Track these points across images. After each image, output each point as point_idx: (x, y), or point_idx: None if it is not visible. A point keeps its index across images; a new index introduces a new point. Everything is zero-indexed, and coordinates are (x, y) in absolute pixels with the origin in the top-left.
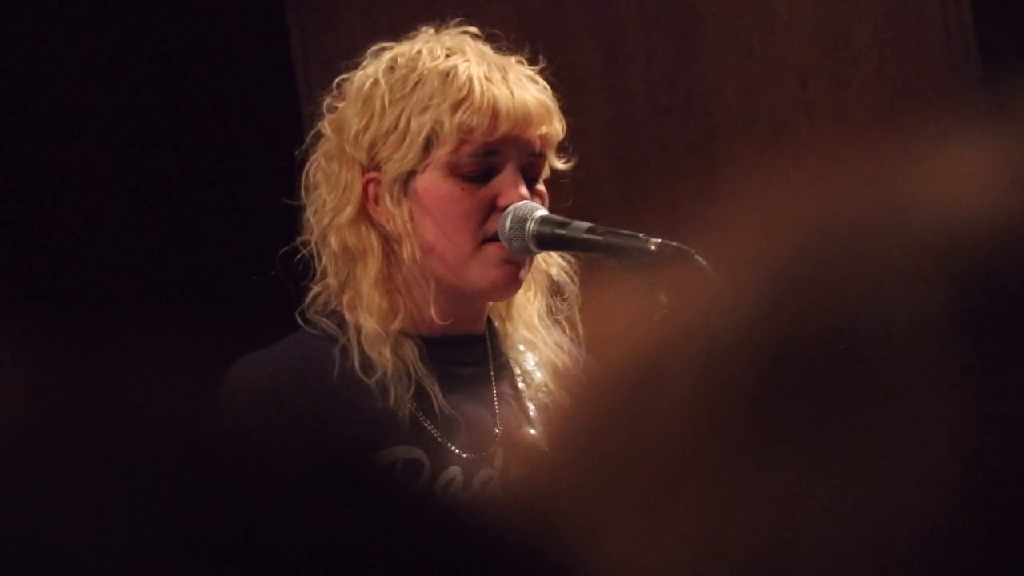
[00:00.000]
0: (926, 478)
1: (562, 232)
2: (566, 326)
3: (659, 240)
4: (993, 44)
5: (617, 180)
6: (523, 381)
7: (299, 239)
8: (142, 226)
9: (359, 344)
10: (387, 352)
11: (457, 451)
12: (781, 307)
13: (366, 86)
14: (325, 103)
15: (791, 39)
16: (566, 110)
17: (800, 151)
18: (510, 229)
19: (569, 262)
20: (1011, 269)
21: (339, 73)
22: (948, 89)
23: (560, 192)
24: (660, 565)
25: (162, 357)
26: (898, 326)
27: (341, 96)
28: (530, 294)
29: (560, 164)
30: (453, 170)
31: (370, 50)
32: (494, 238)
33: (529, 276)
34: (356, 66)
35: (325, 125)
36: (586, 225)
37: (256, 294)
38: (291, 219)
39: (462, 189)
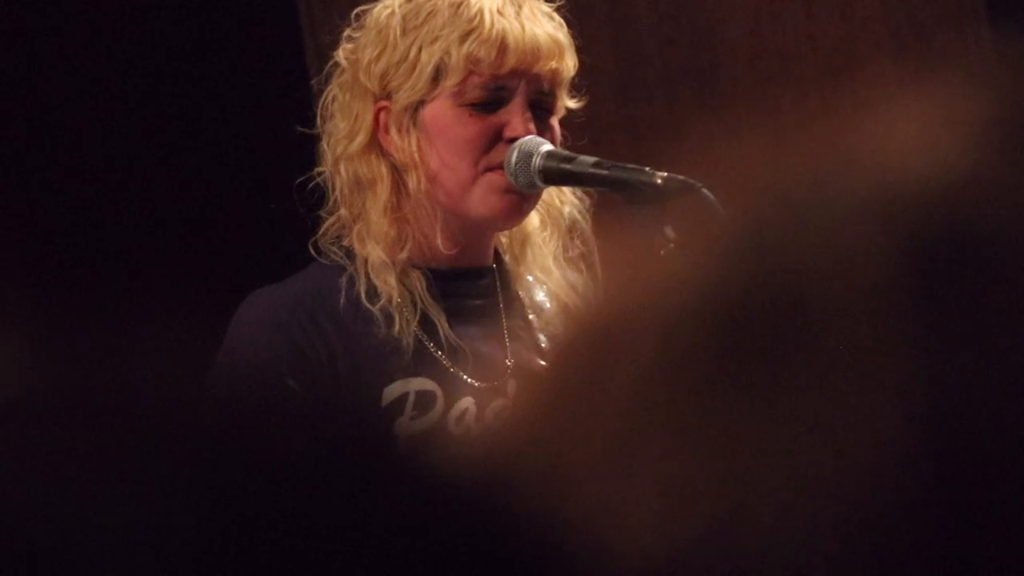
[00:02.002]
0: (878, 432)
1: (568, 167)
2: (582, 265)
3: (665, 173)
4: None
5: (622, 112)
6: (534, 313)
7: (315, 169)
8: (158, 160)
9: (365, 273)
10: (392, 280)
11: (469, 380)
12: (736, 270)
13: (382, 17)
14: (344, 33)
15: None
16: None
17: (805, 84)
18: (516, 164)
19: (582, 200)
20: (955, 230)
21: (341, 6)
22: (952, 21)
23: (573, 133)
24: (628, 513)
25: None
26: (848, 287)
27: (360, 27)
28: (546, 234)
29: (571, 103)
30: (460, 100)
31: None
32: (497, 167)
33: (545, 215)
34: None
35: (341, 55)
36: (592, 159)
37: (274, 223)
38: (310, 149)
39: (469, 116)
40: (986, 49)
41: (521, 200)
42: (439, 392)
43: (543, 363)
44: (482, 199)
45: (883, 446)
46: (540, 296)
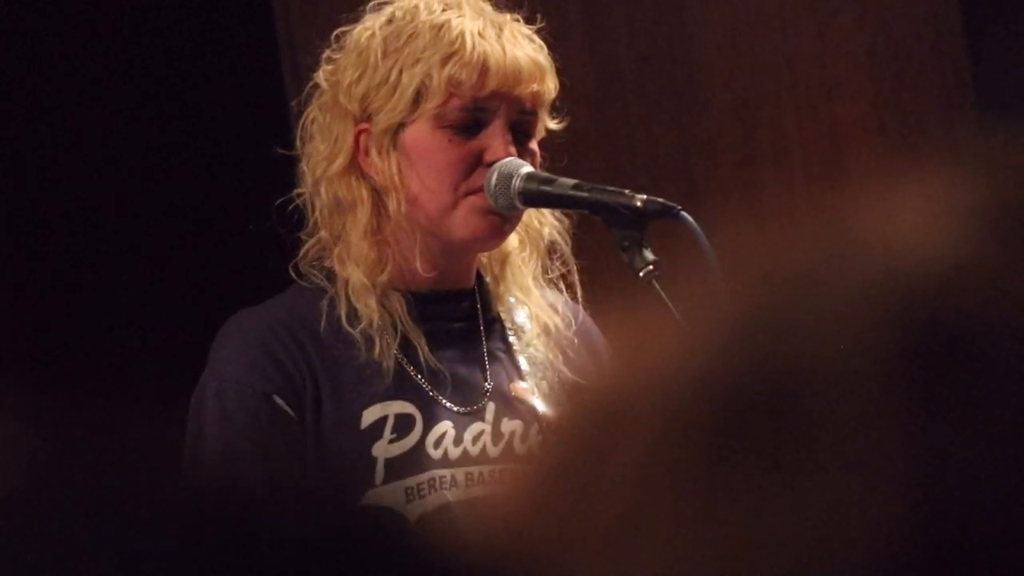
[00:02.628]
0: (873, 514)
1: (548, 189)
2: (562, 286)
3: (645, 196)
4: None
5: (598, 128)
6: (514, 335)
7: (295, 191)
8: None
9: (346, 296)
10: (373, 303)
11: (448, 404)
12: (736, 353)
13: (363, 38)
14: (324, 55)
15: None
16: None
17: (781, 101)
18: (496, 186)
19: (561, 221)
20: (951, 317)
21: (322, 18)
22: (928, 39)
23: (554, 153)
24: None
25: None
26: (844, 372)
27: (339, 48)
28: (525, 255)
29: (553, 124)
30: (441, 123)
31: (370, 4)
32: (477, 191)
33: (524, 235)
34: (356, 20)
35: (321, 77)
36: (572, 182)
37: (253, 246)
38: (289, 171)
39: (448, 140)
40: (962, 65)
41: (502, 222)
42: (418, 415)
43: (524, 384)
44: (463, 221)
45: (878, 530)
46: (520, 317)
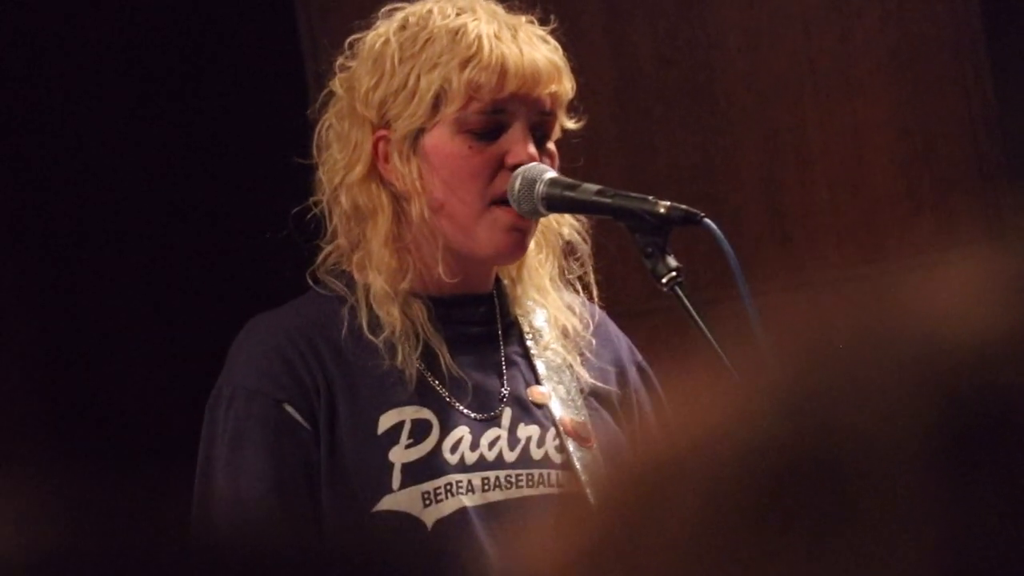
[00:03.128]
0: None
1: (571, 194)
2: (579, 286)
3: (669, 203)
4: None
5: (619, 131)
6: (532, 339)
7: (312, 199)
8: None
9: (367, 303)
10: (395, 311)
11: (465, 411)
12: (783, 423)
13: (377, 45)
14: (337, 62)
15: None
16: (568, 62)
17: (803, 104)
18: (519, 191)
19: (580, 222)
20: (994, 395)
21: (341, 26)
22: (950, 42)
23: (571, 152)
24: None
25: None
26: (886, 449)
27: (353, 55)
28: (542, 256)
29: (571, 124)
30: (461, 127)
31: (382, 11)
32: (502, 198)
33: (541, 238)
34: (368, 26)
35: (337, 84)
36: (595, 187)
37: (269, 254)
38: (305, 179)
39: (470, 147)
40: (983, 66)
41: (523, 235)
42: (435, 421)
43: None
44: (487, 237)
45: None
46: (539, 321)
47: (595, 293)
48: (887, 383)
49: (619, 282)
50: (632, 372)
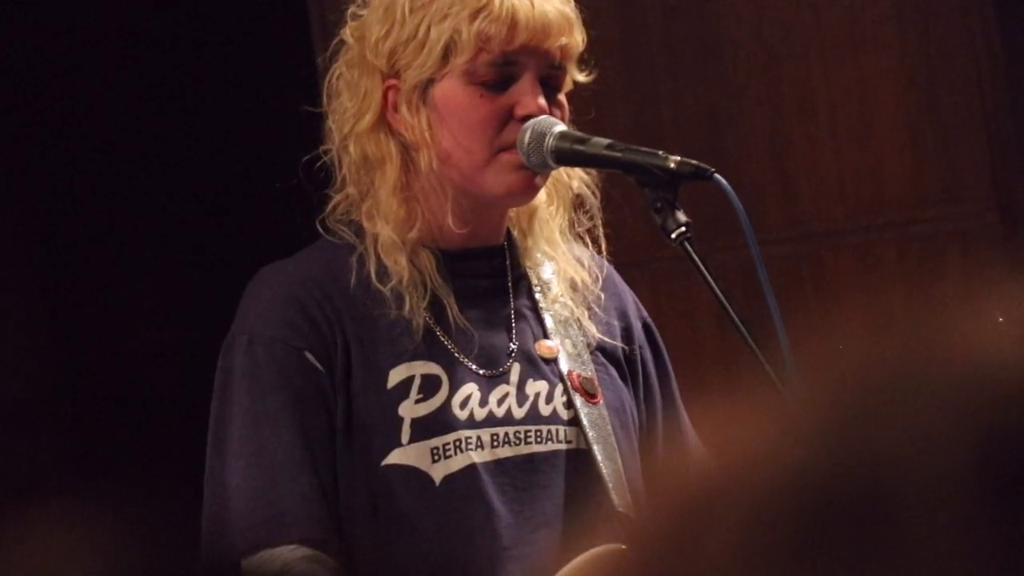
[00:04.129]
0: None
1: (581, 148)
2: (587, 240)
3: (679, 158)
4: None
5: (625, 82)
6: (540, 292)
7: (321, 147)
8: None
9: (376, 252)
10: (403, 260)
11: (473, 367)
12: (824, 454)
13: None
14: (349, 11)
15: None
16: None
17: (808, 55)
18: (529, 144)
19: (590, 175)
20: None
21: None
22: None
23: (576, 103)
24: None
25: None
26: (927, 479)
27: (365, 4)
28: (552, 208)
29: (581, 76)
30: (471, 78)
31: None
32: (510, 147)
33: (552, 189)
34: None
35: (347, 33)
36: (605, 141)
37: (279, 202)
38: (315, 127)
39: (480, 96)
40: (990, 18)
41: (533, 175)
42: (444, 376)
43: (549, 343)
44: (496, 178)
45: None
46: (547, 274)
47: (603, 246)
48: (930, 415)
49: (622, 231)
50: (637, 327)
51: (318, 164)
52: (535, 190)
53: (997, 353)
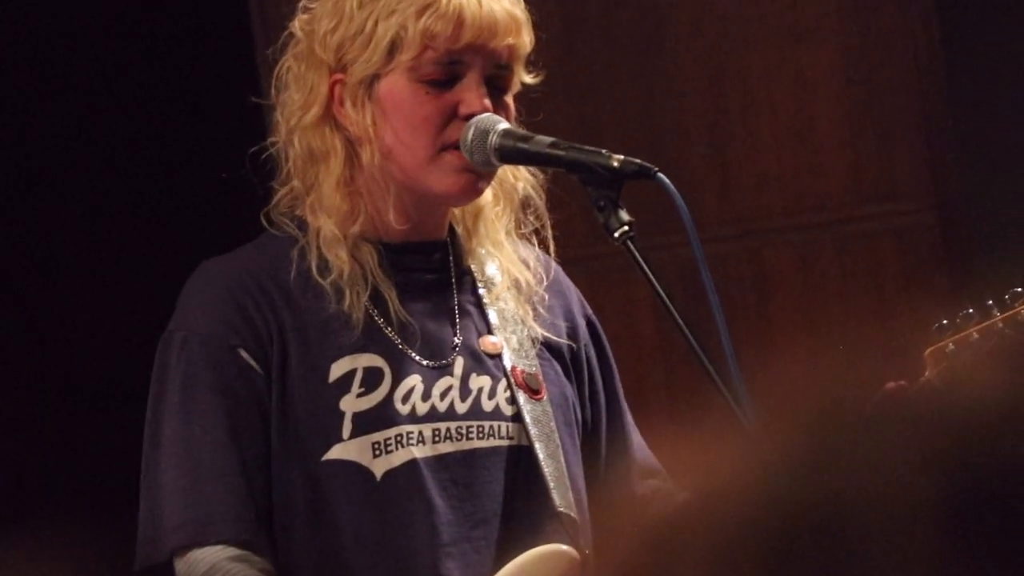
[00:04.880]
0: None
1: (524, 146)
2: (534, 240)
3: (622, 156)
4: None
5: (565, 76)
6: (484, 288)
7: (269, 140)
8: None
9: (317, 246)
10: (343, 254)
11: (417, 358)
12: (789, 490)
13: None
14: (300, 4)
15: None
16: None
17: (749, 49)
18: (472, 141)
19: (535, 176)
20: (1000, 461)
21: None
22: None
23: (521, 101)
24: None
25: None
26: (890, 511)
27: None
28: (498, 208)
29: (529, 78)
30: (416, 75)
31: None
32: (453, 145)
33: (498, 189)
34: None
35: (297, 26)
36: (549, 140)
37: (225, 194)
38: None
39: (425, 94)
40: (930, 16)
41: (477, 178)
42: (387, 369)
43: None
44: (438, 178)
45: None
46: (491, 270)
47: (551, 247)
48: (892, 449)
49: (559, 227)
50: (582, 325)
51: (264, 156)
52: (477, 193)
53: (962, 388)
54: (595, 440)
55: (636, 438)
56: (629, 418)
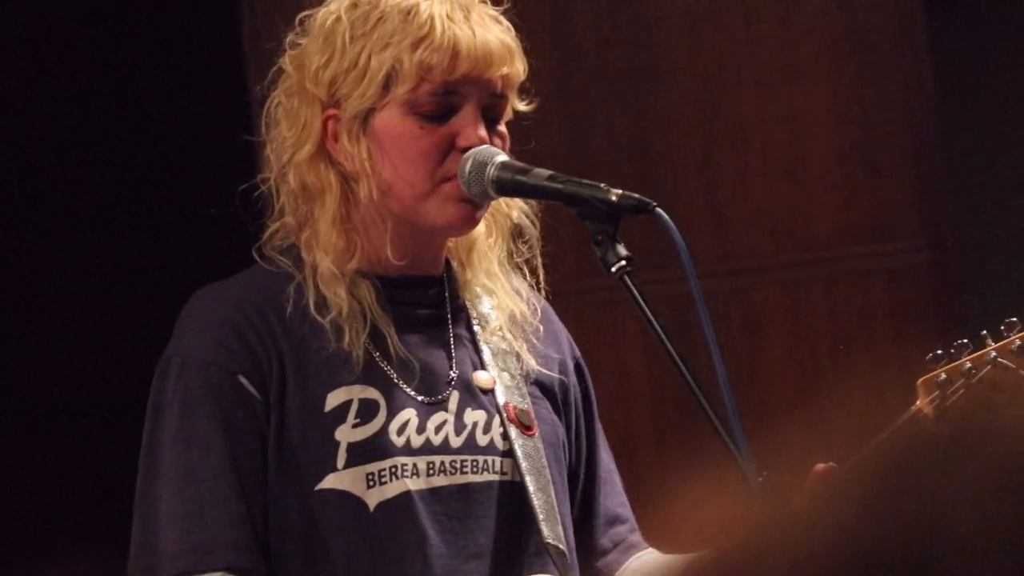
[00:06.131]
0: None
1: (522, 179)
2: (526, 271)
3: (620, 191)
4: None
5: (559, 111)
6: (479, 323)
7: (259, 176)
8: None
9: (315, 283)
10: (342, 292)
11: (412, 393)
12: (870, 516)
13: (328, 22)
14: (288, 39)
15: None
16: None
17: (742, 87)
18: (470, 173)
19: (529, 205)
20: None
21: (284, 12)
22: (892, 31)
23: (514, 134)
24: None
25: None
26: (973, 540)
27: (304, 32)
28: (491, 240)
29: (522, 106)
30: (412, 108)
31: None
32: (451, 177)
33: (491, 220)
34: (320, 4)
35: (287, 61)
36: (547, 173)
37: (216, 230)
38: (253, 156)
39: (420, 127)
40: (923, 57)
41: (474, 209)
42: (382, 402)
43: (485, 374)
44: (437, 209)
45: None
46: (486, 307)
47: (541, 277)
48: (978, 483)
49: (551, 260)
50: (570, 367)
51: (256, 193)
52: (475, 223)
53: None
54: (573, 482)
55: (609, 485)
56: (605, 463)
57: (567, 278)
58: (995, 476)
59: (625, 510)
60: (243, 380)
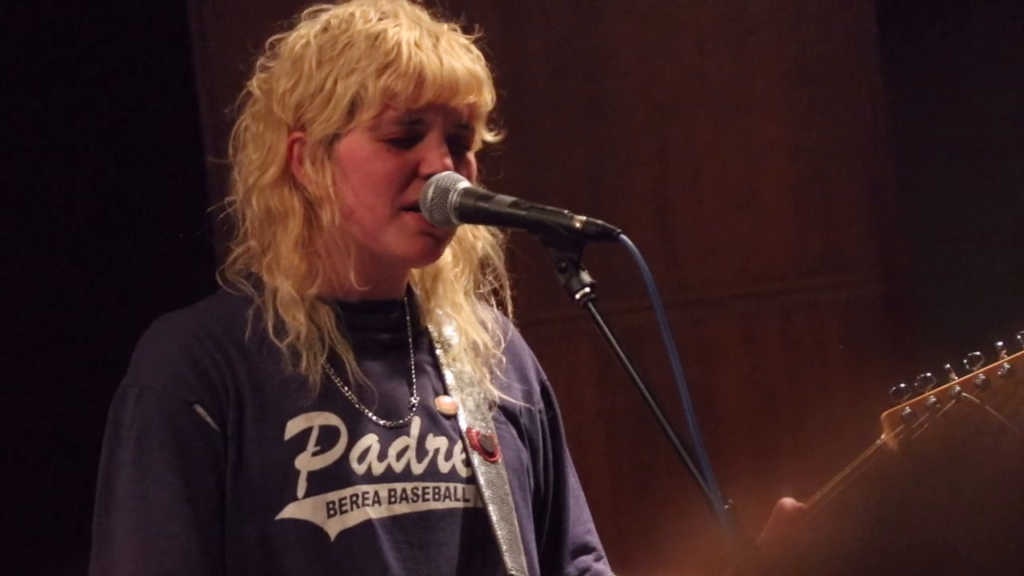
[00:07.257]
0: None
1: (485, 205)
2: (492, 300)
3: (584, 217)
4: (892, 16)
5: (511, 141)
6: (441, 348)
7: (226, 199)
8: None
9: (274, 307)
10: (301, 316)
11: (374, 418)
12: (882, 541)
13: (297, 47)
14: (257, 63)
15: (689, 5)
16: None
17: (696, 119)
18: (432, 200)
19: (495, 235)
20: None
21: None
22: (845, 63)
23: (495, 165)
24: None
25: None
26: (986, 554)
27: (274, 56)
28: (457, 270)
29: (490, 136)
30: (376, 134)
31: (305, 12)
32: (414, 206)
33: (458, 250)
34: (290, 28)
35: (255, 85)
36: (510, 199)
37: (181, 254)
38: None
39: (385, 152)
40: (877, 90)
41: (436, 242)
42: (343, 428)
43: (448, 399)
44: (397, 239)
45: None
46: (448, 331)
47: (510, 309)
48: (989, 499)
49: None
50: (537, 391)
51: (221, 216)
52: (437, 255)
53: None
54: (541, 509)
55: (576, 512)
56: (573, 489)
57: (521, 308)
58: (961, 510)
59: (593, 538)
60: (200, 410)
